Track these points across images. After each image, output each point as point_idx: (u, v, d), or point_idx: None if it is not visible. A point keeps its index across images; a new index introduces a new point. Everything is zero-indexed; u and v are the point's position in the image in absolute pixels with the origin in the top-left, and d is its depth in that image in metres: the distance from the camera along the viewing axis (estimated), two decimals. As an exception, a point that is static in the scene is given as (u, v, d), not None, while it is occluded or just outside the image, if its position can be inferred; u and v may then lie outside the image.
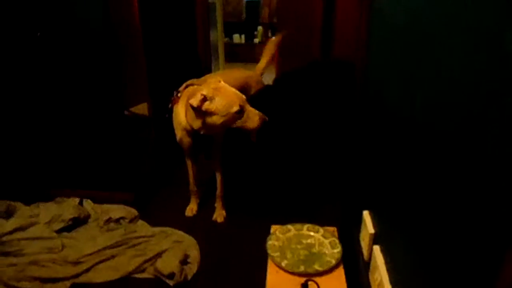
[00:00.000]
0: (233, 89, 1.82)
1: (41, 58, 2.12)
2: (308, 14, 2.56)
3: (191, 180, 2.28)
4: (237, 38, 6.42)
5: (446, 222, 0.69)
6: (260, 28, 6.33)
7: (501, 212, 0.52)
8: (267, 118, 1.78)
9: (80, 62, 2.12)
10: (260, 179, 2.53)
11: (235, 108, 1.74)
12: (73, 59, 2.11)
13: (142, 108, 2.93)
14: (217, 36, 4.78)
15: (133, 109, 3.04)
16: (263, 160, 2.44)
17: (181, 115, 1.91)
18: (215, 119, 1.78)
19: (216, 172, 2.24)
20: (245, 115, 1.79)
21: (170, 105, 2.01)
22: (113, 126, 2.26)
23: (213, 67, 3.58)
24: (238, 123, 1.79)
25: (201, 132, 1.89)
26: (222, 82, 1.84)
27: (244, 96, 1.81)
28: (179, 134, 2.01)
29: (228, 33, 6.14)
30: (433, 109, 0.77)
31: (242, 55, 6.07)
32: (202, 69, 3.21)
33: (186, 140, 2.02)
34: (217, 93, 1.76)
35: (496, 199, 0.53)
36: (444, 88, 0.72)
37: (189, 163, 2.23)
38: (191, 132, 1.94)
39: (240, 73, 2.37)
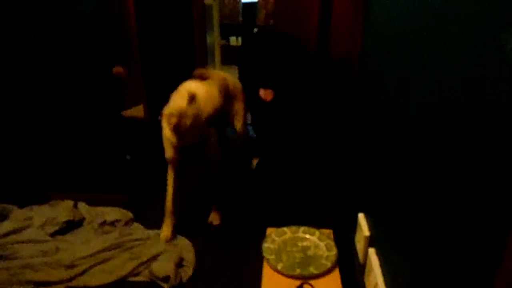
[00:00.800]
0: (183, 85, 1.86)
1: (35, 60, 2.11)
2: (305, 16, 2.57)
3: (168, 196, 2.06)
4: (234, 41, 6.42)
5: (442, 224, 0.69)
6: (256, 30, 6.34)
7: (497, 216, 0.52)
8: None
9: (76, 65, 2.11)
10: (256, 182, 2.52)
11: (186, 100, 1.70)
12: (69, 62, 2.10)
13: (138, 111, 2.92)
14: (213, 38, 4.78)
15: (128, 112, 3.04)
16: (259, 164, 2.44)
17: (166, 130, 1.81)
18: (184, 121, 1.72)
19: (211, 184, 2.22)
20: (201, 101, 1.78)
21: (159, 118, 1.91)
22: (108, 128, 2.24)
23: (209, 69, 3.57)
24: (205, 111, 1.80)
25: (179, 144, 1.81)
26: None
27: (189, 87, 1.83)
28: (168, 151, 1.95)
29: (225, 35, 6.14)
30: (429, 111, 0.77)
31: (239, 58, 6.06)
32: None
33: (174, 158, 1.95)
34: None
35: (491, 203, 0.53)
36: (440, 90, 0.72)
37: (171, 175, 2.06)
38: (177, 147, 1.86)
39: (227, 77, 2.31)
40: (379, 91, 1.24)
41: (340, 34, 2.29)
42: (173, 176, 2.06)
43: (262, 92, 1.92)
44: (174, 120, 1.70)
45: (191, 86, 1.82)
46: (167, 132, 1.82)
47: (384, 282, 1.02)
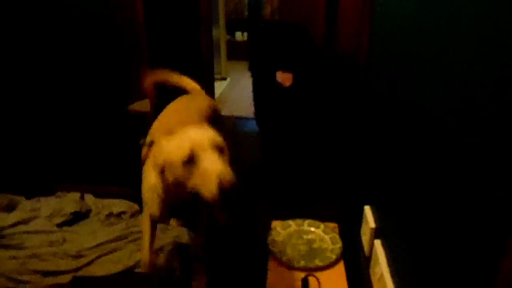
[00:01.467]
0: (194, 130, 1.19)
1: (42, 52, 2.12)
2: (311, 10, 2.56)
3: (144, 247, 1.53)
4: (239, 36, 6.41)
5: (449, 215, 0.69)
6: (265, 21, 6.32)
7: (501, 212, 0.52)
8: (232, 183, 1.06)
9: (83, 58, 2.12)
10: (262, 174, 2.53)
11: (182, 155, 1.11)
12: (76, 55, 2.12)
13: (143, 105, 2.93)
14: (219, 33, 4.78)
15: (134, 106, 3.04)
16: (265, 156, 2.44)
17: (151, 176, 1.28)
18: (167, 175, 1.18)
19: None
20: (197, 173, 1.11)
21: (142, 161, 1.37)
22: (115, 121, 2.26)
23: (215, 65, 3.58)
24: (191, 184, 1.12)
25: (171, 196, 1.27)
26: (203, 126, 1.25)
27: (209, 140, 1.14)
28: (152, 204, 1.34)
29: (230, 30, 6.13)
30: (441, 105, 0.77)
31: (244, 53, 6.05)
32: (204, 66, 3.22)
33: (161, 213, 1.37)
34: (168, 136, 1.21)
35: (496, 199, 0.53)
36: (452, 82, 0.72)
37: (146, 228, 1.53)
38: (165, 200, 1.31)
39: (200, 101, 1.76)
40: (387, 85, 1.24)
41: (347, 28, 2.29)
42: (149, 227, 1.53)
43: (280, 75, 1.75)
44: (159, 161, 1.19)
45: (196, 138, 1.14)
46: (152, 179, 1.28)
47: (390, 273, 1.02)
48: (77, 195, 2.26)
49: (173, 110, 1.68)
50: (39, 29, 2.07)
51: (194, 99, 1.79)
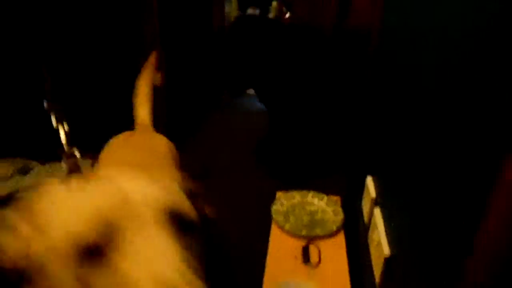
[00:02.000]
0: (127, 174, 0.58)
1: (50, 26, 2.15)
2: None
3: None
4: (251, 12, 6.34)
5: (448, 183, 0.72)
6: (274, 3, 6.22)
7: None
8: None
9: (95, 32, 2.15)
10: (269, 148, 2.55)
11: (80, 235, 0.48)
12: (88, 28, 2.14)
13: (155, 79, 2.95)
14: (231, 9, 4.74)
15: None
16: (272, 131, 2.46)
17: None
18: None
19: None
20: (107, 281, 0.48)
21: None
22: (125, 93, 2.30)
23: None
24: None
25: None
26: None
27: (155, 201, 0.53)
28: None
29: (243, 6, 6.06)
30: (444, 74, 0.78)
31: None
32: (216, 42, 3.22)
33: None
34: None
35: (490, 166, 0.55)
36: (454, 54, 0.73)
37: None
38: None
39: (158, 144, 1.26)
40: (395, 55, 1.24)
41: (360, 2, 2.27)
42: None
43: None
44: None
45: (127, 193, 0.53)
46: None
47: (387, 239, 1.06)
48: (88, 162, 2.33)
49: (129, 160, 1.07)
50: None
51: (150, 145, 1.23)
